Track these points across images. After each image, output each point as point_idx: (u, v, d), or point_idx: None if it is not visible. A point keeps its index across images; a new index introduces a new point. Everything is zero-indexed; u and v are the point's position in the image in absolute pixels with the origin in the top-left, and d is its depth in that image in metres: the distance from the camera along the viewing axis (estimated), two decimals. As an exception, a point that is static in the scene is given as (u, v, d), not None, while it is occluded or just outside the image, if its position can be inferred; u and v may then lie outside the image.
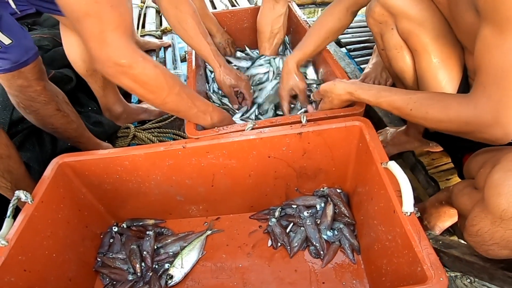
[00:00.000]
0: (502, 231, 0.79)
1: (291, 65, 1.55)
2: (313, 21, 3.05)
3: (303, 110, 1.57)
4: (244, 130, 1.21)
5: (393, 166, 0.98)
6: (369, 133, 1.14)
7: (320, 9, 3.36)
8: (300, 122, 1.20)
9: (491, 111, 0.85)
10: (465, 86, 1.17)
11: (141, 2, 3.33)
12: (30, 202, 1.07)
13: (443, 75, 1.16)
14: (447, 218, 1.31)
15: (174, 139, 1.88)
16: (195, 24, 1.59)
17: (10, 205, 1.05)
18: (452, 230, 1.38)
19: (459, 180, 1.24)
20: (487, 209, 0.80)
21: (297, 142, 1.20)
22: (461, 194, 1.01)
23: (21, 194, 1.06)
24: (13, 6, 1.23)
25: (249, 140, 1.18)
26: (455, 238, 1.38)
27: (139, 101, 2.15)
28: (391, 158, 1.57)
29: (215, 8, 3.15)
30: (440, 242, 1.24)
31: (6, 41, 1.20)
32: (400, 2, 1.17)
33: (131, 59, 1.01)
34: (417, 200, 1.51)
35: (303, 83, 1.57)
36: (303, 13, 3.24)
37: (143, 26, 3.03)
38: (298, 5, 3.20)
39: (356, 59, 2.40)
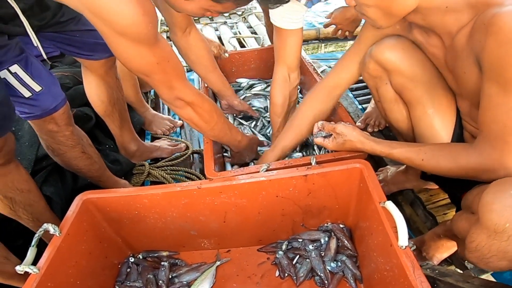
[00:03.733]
0: (498, 243, 0.87)
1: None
2: (317, 57, 3.13)
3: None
4: (259, 171, 1.31)
5: (390, 206, 1.07)
6: (368, 175, 1.21)
7: (323, 44, 3.39)
8: (310, 163, 1.29)
9: (496, 159, 0.97)
10: (459, 129, 1.25)
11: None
12: (58, 235, 1.14)
13: (438, 123, 1.25)
14: (444, 250, 1.38)
15: (186, 177, 1.97)
16: (211, 60, 1.88)
17: (36, 235, 1.11)
18: (450, 260, 1.45)
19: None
20: (482, 225, 0.89)
21: (303, 183, 1.27)
22: (460, 219, 1.09)
23: (49, 227, 1.12)
24: (42, 51, 1.26)
25: (259, 182, 1.27)
26: (452, 267, 1.44)
27: (152, 140, 2.24)
28: (391, 196, 1.67)
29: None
30: (437, 271, 1.31)
31: (37, 88, 1.27)
32: (393, 58, 1.25)
33: (193, 97, 1.30)
34: (417, 232, 1.60)
35: None
36: (307, 48, 3.37)
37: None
38: (303, 41, 3.32)
39: (358, 98, 2.44)
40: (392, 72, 1.28)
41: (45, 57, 1.27)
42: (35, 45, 1.16)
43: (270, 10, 1.65)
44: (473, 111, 1.16)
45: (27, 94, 1.26)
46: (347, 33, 2.12)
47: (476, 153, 1.03)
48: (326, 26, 2.15)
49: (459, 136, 1.26)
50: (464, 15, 0.99)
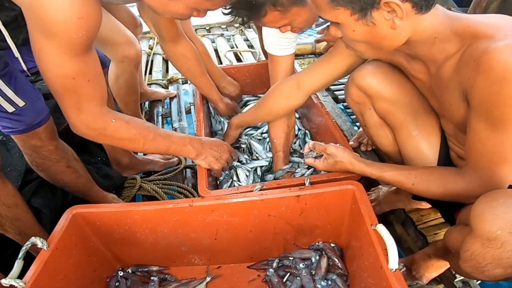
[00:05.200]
0: (492, 251, 0.88)
1: (232, 126, 1.78)
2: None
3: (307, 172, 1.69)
4: (252, 191, 1.31)
5: (381, 229, 1.07)
6: (361, 197, 1.22)
7: (319, 59, 3.44)
8: (304, 183, 1.29)
9: (483, 186, 1.01)
10: (445, 148, 1.28)
11: (149, 49, 3.44)
12: (46, 248, 1.13)
13: (423, 144, 1.27)
14: (433, 269, 1.38)
15: (178, 191, 1.96)
16: (198, 67, 1.89)
17: (23, 248, 1.10)
18: (439, 279, 1.45)
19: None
20: (476, 234, 0.90)
21: (295, 203, 1.28)
22: (453, 231, 1.10)
23: (37, 240, 1.11)
24: (22, 63, 1.24)
25: (251, 201, 1.27)
26: (441, 286, 1.45)
27: (145, 153, 2.21)
28: (383, 215, 1.67)
29: (221, 63, 3.23)
30: (425, 290, 1.33)
31: (21, 103, 1.24)
32: (374, 84, 1.26)
33: (103, 123, 1.17)
34: (408, 252, 1.60)
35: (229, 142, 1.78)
36: (303, 63, 3.39)
37: (150, 73, 3.13)
38: (298, 55, 3.33)
39: (352, 116, 2.44)
40: (374, 98, 1.30)
41: (24, 68, 1.25)
42: (16, 56, 1.14)
43: (263, 38, 1.68)
44: (458, 133, 1.19)
45: (10, 109, 1.24)
46: None
47: (464, 181, 1.06)
48: (318, 41, 2.12)
49: (445, 155, 1.28)
50: (451, 45, 1.01)
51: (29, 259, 1.11)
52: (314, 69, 1.48)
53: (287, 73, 1.71)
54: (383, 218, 1.71)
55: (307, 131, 2.04)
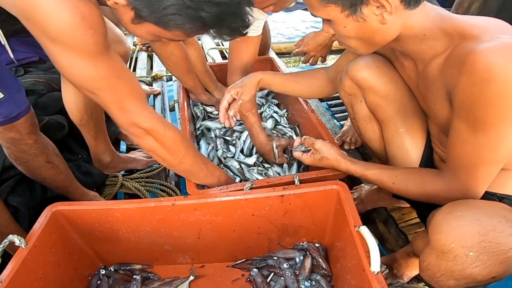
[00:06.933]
0: (445, 263, 0.91)
1: (254, 78, 1.56)
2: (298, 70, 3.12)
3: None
4: (243, 189, 1.30)
5: (364, 231, 1.06)
6: (345, 197, 1.21)
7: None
8: (293, 181, 1.29)
9: (460, 188, 1.02)
10: (429, 150, 1.28)
11: (133, 46, 3.40)
12: (24, 246, 1.10)
13: (408, 143, 1.29)
14: (414, 268, 1.40)
15: (161, 190, 1.94)
16: (186, 66, 2.01)
17: (0, 246, 1.07)
18: (420, 277, 1.45)
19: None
20: (431, 245, 0.93)
21: (279, 203, 1.27)
22: (418, 238, 1.15)
23: (15, 238, 1.08)
24: (11, 55, 1.22)
25: (235, 200, 1.26)
26: (421, 284, 1.46)
27: (127, 151, 2.19)
28: (366, 213, 1.68)
29: (206, 60, 3.20)
30: (406, 289, 1.35)
31: None
32: (367, 76, 1.27)
33: (152, 123, 1.15)
34: (390, 250, 1.62)
35: (250, 95, 1.56)
36: (289, 61, 3.38)
37: (134, 70, 3.09)
38: (284, 54, 3.33)
39: (336, 115, 2.46)
40: (366, 90, 1.30)
41: (11, 55, 1.22)
42: (3, 43, 1.11)
43: None
44: (441, 136, 1.20)
45: None
46: (320, 59, 2.08)
47: (442, 182, 1.07)
48: (296, 54, 2.08)
49: (429, 157, 1.29)
50: (439, 43, 1.02)
51: (9, 259, 1.10)
52: (340, 62, 1.48)
53: (253, 54, 1.75)
54: (365, 216, 1.72)
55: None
